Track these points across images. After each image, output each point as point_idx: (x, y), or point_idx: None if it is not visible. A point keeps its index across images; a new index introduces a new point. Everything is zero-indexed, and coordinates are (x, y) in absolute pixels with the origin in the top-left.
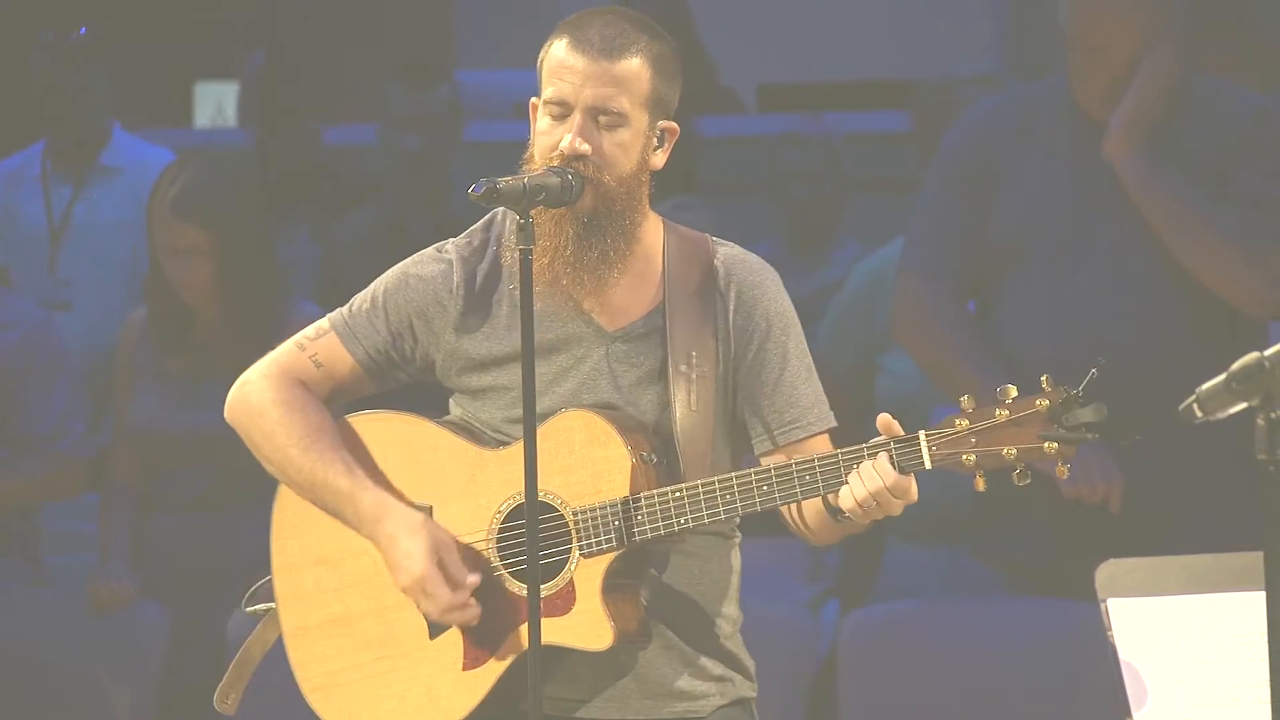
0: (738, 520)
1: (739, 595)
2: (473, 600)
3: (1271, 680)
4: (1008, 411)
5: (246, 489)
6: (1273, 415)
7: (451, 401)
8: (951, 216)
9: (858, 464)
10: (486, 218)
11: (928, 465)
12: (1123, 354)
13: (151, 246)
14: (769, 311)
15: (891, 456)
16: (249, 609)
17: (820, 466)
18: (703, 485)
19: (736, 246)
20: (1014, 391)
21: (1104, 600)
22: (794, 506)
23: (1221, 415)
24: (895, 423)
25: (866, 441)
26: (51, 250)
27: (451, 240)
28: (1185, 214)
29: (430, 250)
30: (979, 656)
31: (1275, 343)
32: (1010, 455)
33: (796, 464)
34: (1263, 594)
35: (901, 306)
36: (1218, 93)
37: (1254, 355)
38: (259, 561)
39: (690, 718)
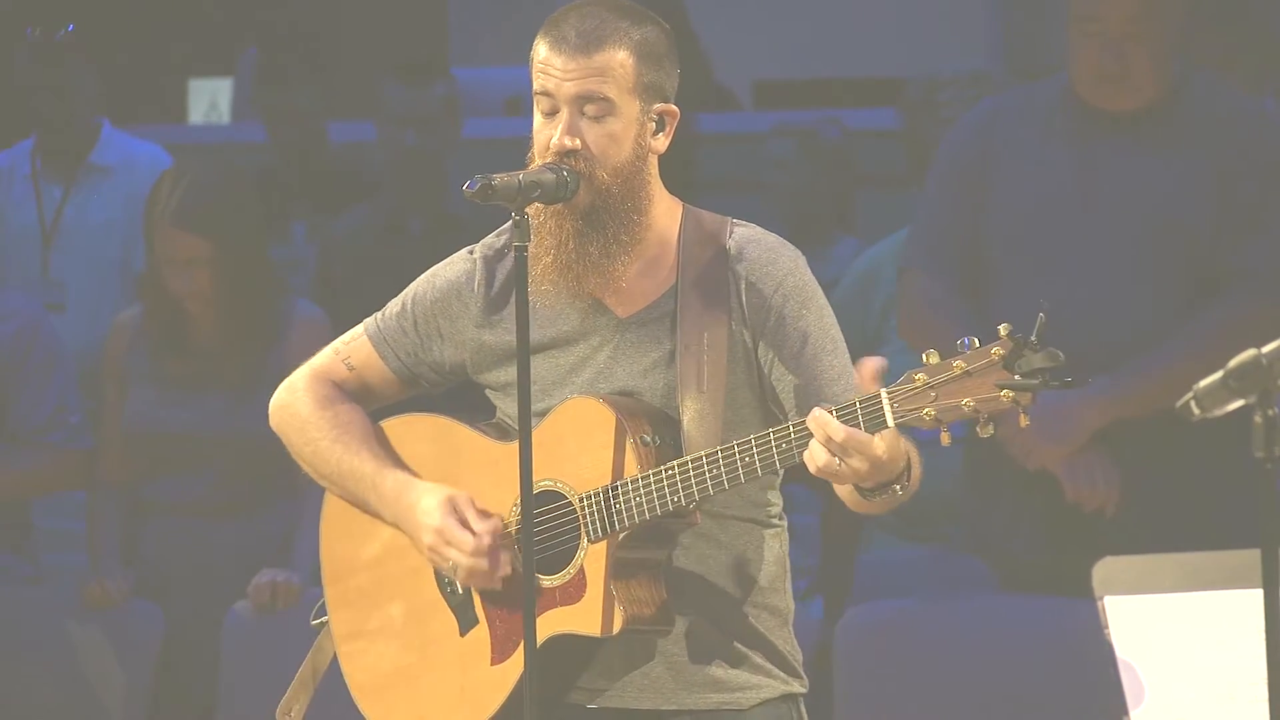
0: (774, 508)
1: (787, 586)
2: (504, 559)
3: (1269, 678)
4: (964, 362)
5: (242, 491)
6: (1270, 412)
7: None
8: (952, 214)
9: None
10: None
11: (890, 423)
12: (1120, 349)
13: (150, 254)
14: (783, 286)
15: (858, 415)
16: (314, 622)
17: (794, 430)
18: (692, 461)
19: (756, 227)
20: (977, 343)
21: (1101, 598)
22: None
23: (1219, 412)
24: (869, 366)
25: None
26: (44, 252)
27: (481, 241)
28: (1171, 382)
29: (460, 252)
30: (975, 655)
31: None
32: (969, 406)
33: (774, 432)
34: (1259, 591)
35: (904, 304)
36: (1215, 93)
37: (1251, 352)
38: (253, 562)
39: (728, 709)
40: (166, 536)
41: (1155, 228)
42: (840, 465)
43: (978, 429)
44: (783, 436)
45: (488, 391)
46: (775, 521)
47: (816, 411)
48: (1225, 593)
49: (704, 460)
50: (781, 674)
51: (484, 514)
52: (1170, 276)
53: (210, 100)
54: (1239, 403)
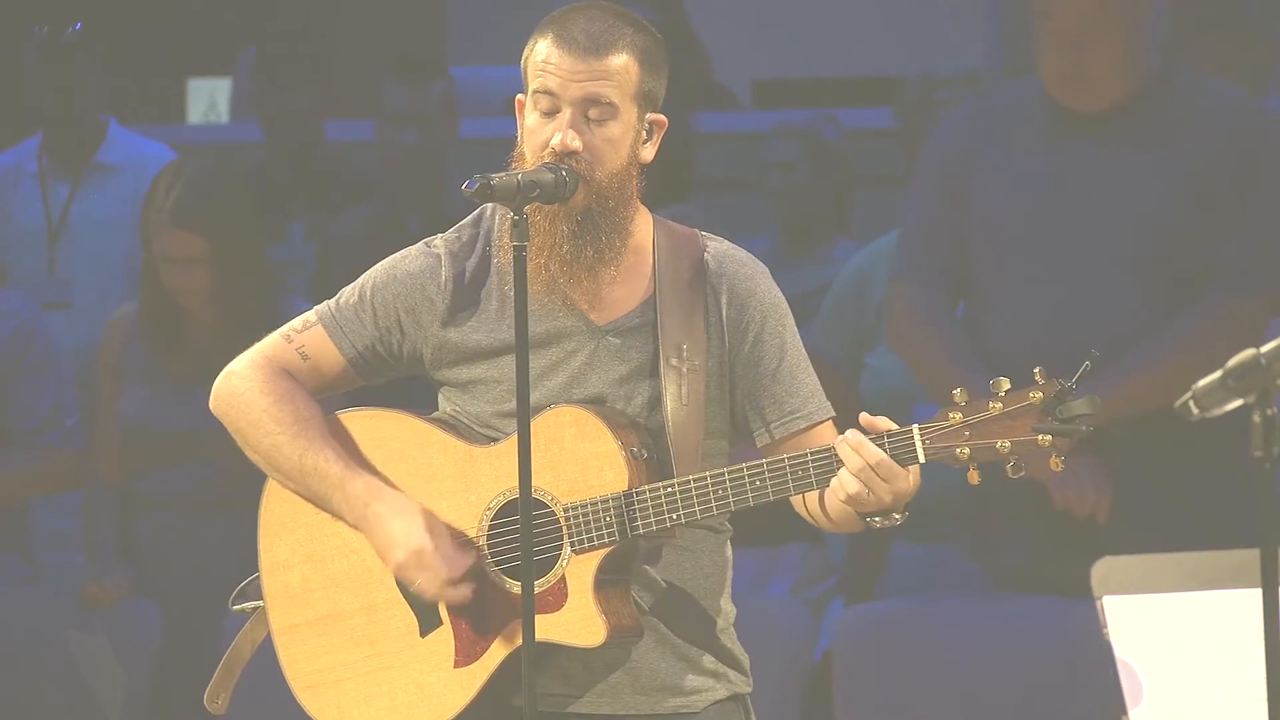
0: (729, 514)
1: (731, 590)
2: (467, 580)
3: (1268, 678)
4: (1001, 404)
5: (241, 487)
6: (1269, 412)
7: (440, 396)
8: (938, 223)
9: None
10: (475, 213)
11: (921, 459)
12: (1106, 349)
13: (147, 252)
14: (763, 303)
15: (885, 450)
16: (235, 607)
17: (813, 460)
18: (695, 480)
19: (725, 241)
20: (1007, 384)
21: (1100, 597)
22: (803, 497)
23: (1217, 412)
24: (879, 419)
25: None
26: (50, 250)
27: (440, 235)
28: (1157, 380)
29: (419, 245)
30: (974, 654)
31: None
32: (1004, 448)
33: (789, 458)
34: (1258, 591)
35: (894, 315)
36: (1195, 90)
37: (1250, 352)
38: (252, 560)
39: (684, 712)
40: (164, 534)
41: (1133, 227)
42: (869, 495)
43: (1008, 469)
44: (799, 464)
45: (445, 389)
46: (727, 526)
47: (850, 435)
48: (1224, 593)
49: (709, 481)
50: (731, 675)
51: (459, 535)
52: (1150, 275)
53: (209, 100)
54: (1238, 402)
